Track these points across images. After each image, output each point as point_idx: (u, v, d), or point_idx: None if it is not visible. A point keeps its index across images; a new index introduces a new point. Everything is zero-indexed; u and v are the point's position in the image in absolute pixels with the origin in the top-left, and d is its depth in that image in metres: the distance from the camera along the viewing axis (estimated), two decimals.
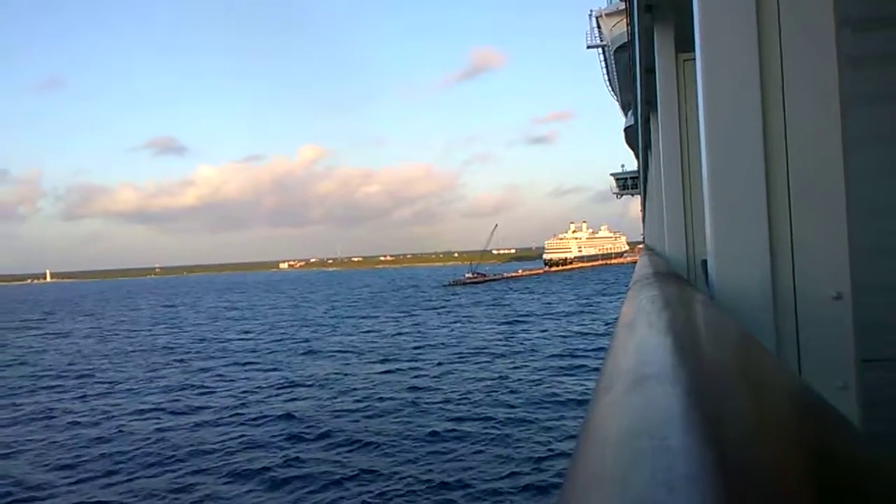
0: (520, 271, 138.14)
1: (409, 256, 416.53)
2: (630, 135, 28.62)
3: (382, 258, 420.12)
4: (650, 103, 7.32)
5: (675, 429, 0.52)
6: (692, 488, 0.40)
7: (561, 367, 27.57)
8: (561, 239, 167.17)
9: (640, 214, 25.74)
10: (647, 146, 9.97)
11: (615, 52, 27.98)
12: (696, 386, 0.68)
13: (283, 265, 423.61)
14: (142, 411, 23.24)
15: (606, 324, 41.30)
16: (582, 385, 23.41)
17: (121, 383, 29.09)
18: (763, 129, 1.67)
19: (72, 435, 20.32)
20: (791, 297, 1.67)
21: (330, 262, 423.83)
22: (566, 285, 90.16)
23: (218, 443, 18.49)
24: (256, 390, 26.08)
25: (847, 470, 0.47)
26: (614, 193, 56.13)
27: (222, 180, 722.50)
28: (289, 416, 21.13)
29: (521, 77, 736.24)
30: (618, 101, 37.09)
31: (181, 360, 35.33)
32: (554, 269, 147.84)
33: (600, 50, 33.35)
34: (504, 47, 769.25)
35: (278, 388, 26.24)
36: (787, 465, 0.45)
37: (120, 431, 20.35)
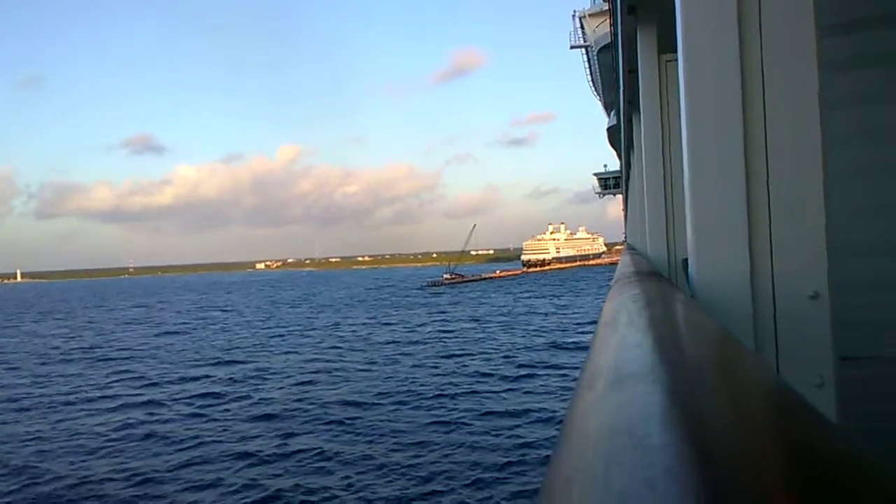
0: (497, 272, 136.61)
1: (387, 257, 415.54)
2: (613, 135, 28.81)
3: (361, 258, 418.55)
4: (633, 103, 7.37)
5: (656, 426, 0.52)
6: (672, 484, 0.40)
7: (536, 366, 27.72)
8: (539, 240, 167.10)
9: (622, 214, 25.92)
10: (630, 146, 10.04)
11: (598, 52, 28.17)
12: (676, 384, 0.69)
13: (260, 265, 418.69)
14: (110, 409, 23.06)
15: (578, 323, 41.61)
16: (558, 383, 23.55)
17: (88, 384, 28.56)
18: (743, 129, 1.69)
19: (51, 429, 20.09)
20: (770, 295, 1.69)
21: (307, 262, 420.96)
22: (543, 285, 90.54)
23: (188, 440, 18.36)
24: (231, 390, 25.88)
25: (824, 465, 0.47)
26: (597, 193, 56.53)
27: (200, 180, 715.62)
28: (265, 416, 21.07)
29: (502, 79, 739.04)
30: (601, 101, 37.34)
31: (151, 360, 34.93)
32: (532, 270, 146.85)
33: (584, 50, 33.60)
34: (484, 49, 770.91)
35: (253, 388, 26.03)
36: (766, 460, 0.46)
37: (87, 429, 20.16)
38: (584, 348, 31.25)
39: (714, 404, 0.65)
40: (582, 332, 37.30)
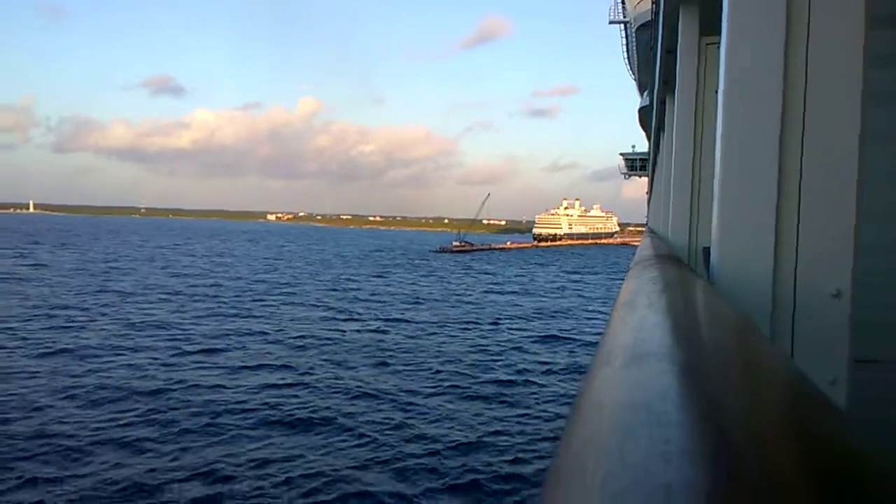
0: (508, 243, 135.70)
1: (398, 219, 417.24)
2: (644, 115, 28.34)
3: (372, 218, 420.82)
4: (668, 84, 7.24)
5: (673, 403, 0.53)
6: (687, 459, 0.41)
7: (541, 339, 27.84)
8: (552, 214, 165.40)
9: (646, 197, 25.66)
10: (661, 128, 9.89)
11: (637, 30, 27.53)
12: (694, 364, 0.70)
13: (271, 216, 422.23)
14: (110, 348, 23.43)
15: (583, 296, 41.51)
16: (564, 357, 23.62)
17: (94, 321, 28.97)
18: (781, 120, 1.66)
19: (64, 369, 20.54)
20: (791, 291, 1.68)
21: (318, 217, 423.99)
22: (553, 260, 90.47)
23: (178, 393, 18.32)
24: (231, 342, 25.91)
25: (833, 450, 0.50)
26: (622, 174, 55.79)
27: (218, 125, 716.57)
28: (267, 372, 21.37)
29: (527, 48, 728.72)
30: (635, 80, 36.62)
31: (161, 303, 35.38)
32: (543, 244, 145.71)
33: (622, 26, 32.84)
34: (512, 17, 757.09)
35: (256, 350, 25.71)
36: (779, 443, 0.47)
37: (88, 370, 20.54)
38: (577, 327, 31.30)
39: (731, 387, 0.66)
40: (585, 311, 37.31)
